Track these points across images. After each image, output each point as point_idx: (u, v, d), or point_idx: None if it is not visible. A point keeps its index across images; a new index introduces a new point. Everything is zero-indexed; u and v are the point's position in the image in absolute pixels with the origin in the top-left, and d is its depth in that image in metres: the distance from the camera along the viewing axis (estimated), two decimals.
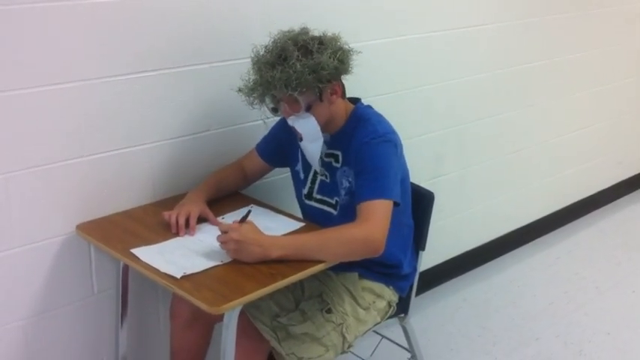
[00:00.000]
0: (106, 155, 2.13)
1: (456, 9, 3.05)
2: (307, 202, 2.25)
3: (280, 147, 2.30)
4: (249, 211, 2.01)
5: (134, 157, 2.20)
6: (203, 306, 1.70)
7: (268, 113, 2.13)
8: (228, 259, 1.89)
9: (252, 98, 2.03)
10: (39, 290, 2.09)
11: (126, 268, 2.17)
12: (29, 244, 2.03)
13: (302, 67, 1.92)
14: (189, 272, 1.81)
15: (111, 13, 2.04)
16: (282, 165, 2.37)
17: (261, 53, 2.03)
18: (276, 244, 1.90)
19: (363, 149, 2.05)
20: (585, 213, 4.29)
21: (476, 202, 3.49)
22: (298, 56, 1.94)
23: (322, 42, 1.99)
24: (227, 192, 2.29)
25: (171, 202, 2.23)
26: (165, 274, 1.81)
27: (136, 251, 1.92)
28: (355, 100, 2.20)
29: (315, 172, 2.22)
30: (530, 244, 3.92)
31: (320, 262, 1.90)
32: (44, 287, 2.09)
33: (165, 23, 2.16)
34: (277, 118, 2.27)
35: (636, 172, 4.70)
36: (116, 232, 2.06)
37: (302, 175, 2.26)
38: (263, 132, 2.34)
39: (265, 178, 2.43)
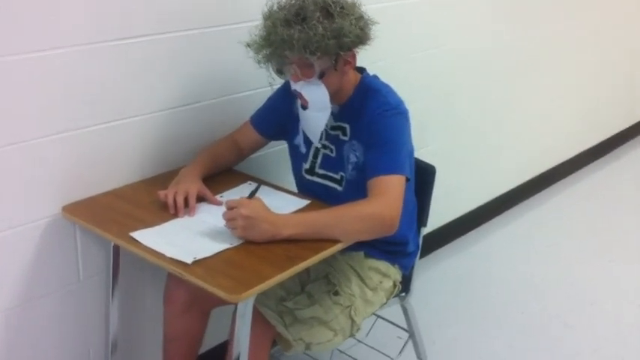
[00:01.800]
0: (93, 130, 1.95)
1: None
2: (308, 177, 2.12)
3: (278, 119, 2.15)
4: (259, 186, 1.87)
5: (122, 131, 2.01)
6: (221, 294, 1.56)
7: (274, 76, 1.97)
8: (237, 242, 1.74)
9: (260, 56, 1.88)
10: (21, 278, 1.90)
11: (117, 251, 2.00)
12: (10, 229, 1.84)
13: (323, 30, 1.78)
14: (199, 257, 1.67)
15: None
16: (279, 138, 2.23)
17: (275, 8, 1.88)
18: (288, 222, 1.77)
19: (375, 121, 1.93)
20: (555, 181, 4.29)
21: (452, 174, 3.41)
22: (319, 17, 1.80)
23: (343, 6, 1.85)
24: (222, 168, 2.14)
25: (160, 179, 2.07)
26: (173, 259, 1.66)
27: (136, 234, 1.75)
28: (360, 70, 2.07)
29: (319, 145, 2.08)
30: (504, 214, 3.88)
31: (335, 242, 1.78)
32: (26, 274, 1.91)
33: None
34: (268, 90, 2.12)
35: (603, 139, 4.73)
36: (107, 214, 1.89)
37: (303, 149, 2.12)
38: (258, 103, 2.19)
39: (257, 152, 2.28)
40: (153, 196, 1.94)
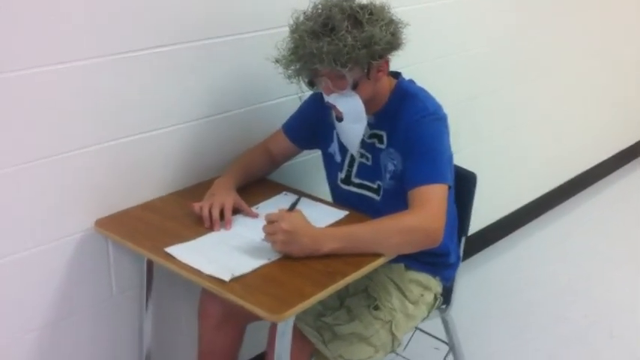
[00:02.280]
0: (124, 142, 1.89)
1: None
2: (344, 186, 2.05)
3: (311, 127, 2.08)
4: (299, 199, 1.80)
5: (152, 142, 1.96)
6: (262, 313, 1.50)
7: (304, 87, 1.90)
8: (275, 256, 1.68)
9: (290, 70, 1.81)
10: (54, 295, 1.86)
11: (150, 266, 1.95)
12: (42, 245, 1.80)
13: (353, 40, 1.71)
14: (237, 273, 1.60)
15: None
16: (313, 147, 2.16)
17: (301, 20, 1.81)
18: (328, 236, 1.71)
19: (414, 128, 1.85)
20: (589, 184, 4.18)
21: (483, 180, 3.32)
22: (348, 27, 1.72)
23: (372, 12, 1.78)
24: (255, 178, 2.08)
25: (192, 191, 2.03)
26: (211, 276, 1.60)
27: (171, 250, 1.70)
28: (395, 75, 1.99)
29: (353, 154, 2.02)
30: (538, 219, 3.78)
31: (376, 255, 1.71)
32: (59, 291, 1.86)
33: None
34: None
35: (635, 141, 4.61)
36: (140, 228, 1.84)
37: (338, 158, 2.05)
38: (290, 110, 2.12)
39: (290, 161, 2.21)
40: (186, 209, 1.88)
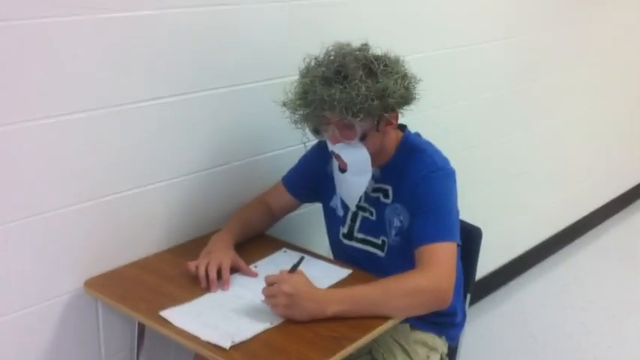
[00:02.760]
0: (117, 197, 1.80)
1: (459, 26, 2.80)
2: (347, 242, 1.97)
3: (312, 180, 2.01)
4: (302, 259, 1.70)
5: (148, 197, 1.87)
6: None
7: (309, 135, 1.83)
8: (277, 320, 1.59)
9: (297, 115, 1.74)
10: (41, 358, 1.74)
11: (142, 328, 1.84)
12: (29, 307, 1.69)
13: (367, 90, 1.65)
14: (238, 340, 1.50)
15: (117, 32, 1.70)
16: (313, 200, 2.08)
17: (313, 65, 1.74)
18: (333, 299, 1.61)
19: (423, 184, 1.78)
20: (581, 234, 4.12)
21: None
22: (362, 77, 1.66)
23: (387, 64, 1.72)
24: (254, 233, 1.99)
25: (188, 247, 1.93)
26: (209, 342, 1.49)
27: (166, 314, 1.60)
28: (401, 127, 1.93)
29: (357, 208, 1.94)
30: (532, 270, 3.70)
31: (383, 318, 1.62)
32: (47, 355, 1.75)
33: (177, 43, 1.84)
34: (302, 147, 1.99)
35: (627, 189, 4.58)
36: (133, 289, 1.73)
37: (340, 212, 1.97)
38: (291, 162, 2.05)
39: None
40: (181, 268, 1.79)
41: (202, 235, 1.97)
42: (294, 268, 1.64)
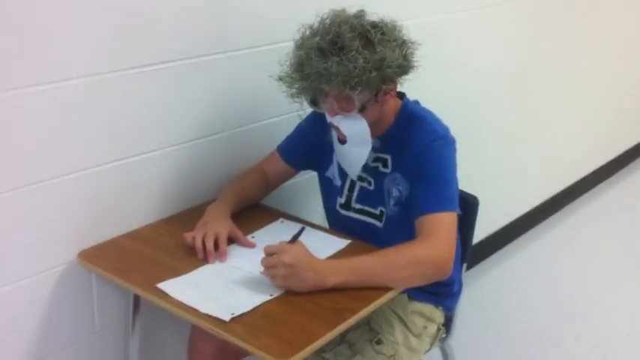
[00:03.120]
0: (109, 167, 1.76)
1: None
2: (344, 212, 1.94)
3: (309, 148, 1.97)
4: (302, 230, 1.67)
5: (142, 166, 1.83)
6: (267, 357, 1.37)
7: (306, 105, 1.79)
8: (277, 292, 1.56)
9: (294, 89, 1.70)
10: (35, 332, 1.71)
11: (137, 300, 1.81)
12: (22, 280, 1.65)
13: (364, 61, 1.60)
14: (237, 312, 1.48)
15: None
16: (309, 168, 2.05)
17: (307, 35, 1.69)
18: (333, 270, 1.59)
19: (424, 153, 1.75)
20: (572, 200, 4.13)
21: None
22: (358, 47, 1.61)
23: (384, 31, 1.66)
24: (250, 202, 1.95)
25: (183, 218, 1.90)
26: (209, 315, 1.47)
27: (164, 286, 1.57)
28: (400, 95, 1.89)
29: (356, 178, 1.91)
30: (523, 236, 3.70)
31: (384, 288, 1.60)
32: (41, 328, 1.72)
33: (170, 6, 1.78)
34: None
35: (616, 155, 4.59)
36: (129, 260, 1.70)
37: (338, 182, 1.94)
38: (287, 129, 2.01)
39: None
40: (177, 238, 1.76)
41: (197, 205, 1.94)
42: (294, 239, 1.61)
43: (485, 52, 3.00)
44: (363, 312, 1.53)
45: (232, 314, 1.47)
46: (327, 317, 1.49)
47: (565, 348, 2.81)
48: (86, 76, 1.64)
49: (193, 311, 1.49)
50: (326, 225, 2.04)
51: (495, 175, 3.30)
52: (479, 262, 3.38)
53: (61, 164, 1.65)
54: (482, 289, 3.18)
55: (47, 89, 1.57)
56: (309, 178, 2.13)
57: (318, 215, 2.31)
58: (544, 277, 3.33)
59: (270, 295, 1.55)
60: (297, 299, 1.54)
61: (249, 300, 1.53)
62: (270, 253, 1.57)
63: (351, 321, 1.50)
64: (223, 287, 1.58)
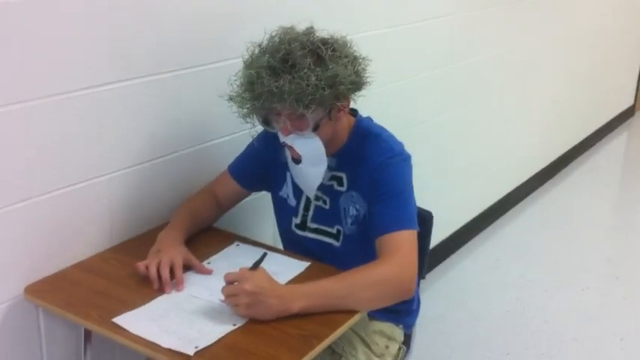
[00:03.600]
0: (55, 195, 1.67)
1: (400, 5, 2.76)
2: (300, 232, 1.89)
3: (261, 168, 1.92)
4: (265, 255, 1.61)
5: (90, 192, 1.75)
6: None
7: (256, 124, 1.74)
8: (240, 321, 1.50)
9: (245, 109, 1.64)
10: None
11: (88, 335, 1.71)
12: None
13: (317, 79, 1.56)
14: (201, 346, 1.41)
15: (55, 20, 1.56)
16: (262, 189, 2.00)
17: (256, 53, 1.65)
18: (297, 295, 1.54)
19: (381, 170, 1.73)
20: (506, 210, 4.18)
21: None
22: (310, 64, 1.57)
23: (335, 48, 1.63)
24: (202, 227, 1.89)
25: (131, 245, 1.83)
26: (171, 350, 1.40)
27: (119, 320, 1.49)
28: (352, 112, 1.86)
29: (309, 197, 1.87)
30: (464, 248, 3.73)
31: (349, 312, 1.56)
32: None
33: (117, 27, 1.71)
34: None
35: (553, 159, 4.69)
36: (79, 293, 1.61)
37: (292, 202, 1.89)
38: (237, 149, 1.95)
39: None
40: (128, 268, 1.68)
41: (146, 231, 1.87)
42: (256, 265, 1.56)
43: (422, 66, 3.00)
44: (331, 338, 1.49)
45: (196, 347, 1.40)
46: (294, 345, 1.44)
47: (516, 357, 2.82)
48: (25, 101, 1.55)
49: (154, 346, 1.41)
50: (278, 245, 1.99)
51: (435, 189, 3.31)
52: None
53: (3, 195, 1.55)
54: (430, 301, 3.17)
55: None
56: (256, 198, 2.08)
57: (268, 235, 2.27)
58: (487, 287, 3.36)
59: (234, 325, 1.49)
60: (262, 327, 1.49)
61: (212, 331, 1.46)
62: (230, 280, 1.51)
63: (319, 348, 1.45)
64: (183, 318, 1.51)
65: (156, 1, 1.78)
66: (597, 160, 5.13)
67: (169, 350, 1.40)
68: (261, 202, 2.10)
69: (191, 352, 1.39)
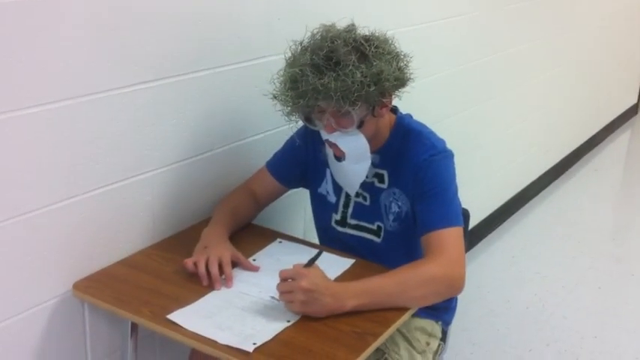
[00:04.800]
0: (101, 192, 1.66)
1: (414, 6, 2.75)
2: (340, 228, 1.89)
3: (300, 165, 1.92)
4: (320, 253, 1.61)
5: (134, 190, 1.74)
6: None
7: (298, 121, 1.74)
8: (294, 318, 1.50)
9: (289, 108, 1.64)
10: None
11: (135, 330, 1.70)
12: (13, 316, 1.53)
13: (362, 76, 1.56)
14: (259, 342, 1.41)
15: (96, 18, 1.55)
16: (300, 186, 2.00)
17: (298, 51, 1.64)
18: (350, 293, 1.54)
19: (425, 168, 1.72)
20: (522, 205, 4.20)
21: None
22: (354, 62, 1.57)
23: (377, 45, 1.63)
24: (243, 223, 1.89)
25: (173, 242, 1.82)
26: (229, 346, 1.39)
27: (174, 317, 1.48)
28: (393, 109, 1.86)
29: (348, 194, 1.86)
30: (481, 243, 3.74)
31: (400, 309, 1.56)
32: None
33: (157, 24, 1.69)
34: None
35: (560, 159, 4.70)
36: (127, 290, 1.60)
37: (332, 198, 1.89)
38: (274, 145, 1.94)
39: None
40: (172, 265, 1.68)
41: (185, 229, 1.86)
42: (310, 263, 1.55)
43: (445, 62, 3.00)
44: (385, 335, 1.49)
45: (254, 344, 1.40)
46: (349, 342, 1.44)
47: (539, 353, 2.83)
48: (70, 99, 1.53)
49: (211, 342, 1.41)
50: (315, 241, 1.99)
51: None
52: None
53: (49, 193, 1.54)
54: None
55: (27, 114, 1.46)
56: (286, 194, 2.06)
57: (298, 231, 2.26)
58: (504, 282, 3.36)
59: (288, 322, 1.49)
60: (315, 324, 1.49)
61: (267, 328, 1.46)
62: (285, 277, 1.51)
63: (374, 345, 1.46)
64: (236, 315, 1.50)
65: (193, 2, 1.77)
66: (602, 159, 5.15)
67: (228, 347, 1.39)
68: (291, 199, 2.09)
69: (250, 348, 1.38)
